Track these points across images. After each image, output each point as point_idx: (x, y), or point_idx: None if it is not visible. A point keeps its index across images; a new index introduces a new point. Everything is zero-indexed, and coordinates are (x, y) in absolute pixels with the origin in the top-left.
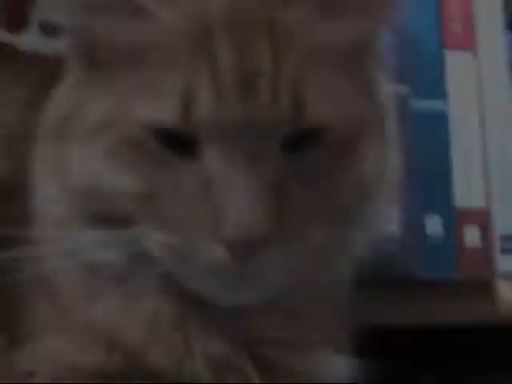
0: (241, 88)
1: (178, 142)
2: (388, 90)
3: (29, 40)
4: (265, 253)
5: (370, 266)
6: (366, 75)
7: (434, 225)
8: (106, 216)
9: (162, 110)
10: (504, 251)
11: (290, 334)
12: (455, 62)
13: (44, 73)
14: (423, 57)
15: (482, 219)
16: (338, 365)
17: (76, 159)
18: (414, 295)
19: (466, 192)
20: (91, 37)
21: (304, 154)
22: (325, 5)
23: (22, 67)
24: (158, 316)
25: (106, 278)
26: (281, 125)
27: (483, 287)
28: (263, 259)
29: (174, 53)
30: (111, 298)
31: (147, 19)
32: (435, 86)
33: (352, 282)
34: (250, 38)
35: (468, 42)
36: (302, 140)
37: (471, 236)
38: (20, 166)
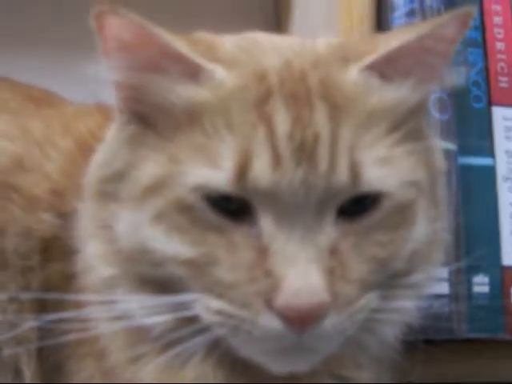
0: (298, 155)
1: (232, 207)
2: (439, 148)
3: None
4: (322, 323)
5: (418, 328)
6: (420, 137)
7: (481, 285)
8: (156, 280)
9: (217, 175)
10: None
11: None
12: (502, 118)
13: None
14: (471, 113)
15: None
16: None
17: (125, 221)
18: (462, 355)
19: None
20: (145, 97)
21: (360, 221)
22: (383, 68)
23: (70, 117)
24: (204, 381)
25: (153, 342)
26: (337, 192)
27: None
28: (320, 329)
29: (230, 116)
30: (158, 363)
31: (204, 81)
32: (483, 142)
33: (400, 344)
34: (307, 103)
35: None
36: (357, 207)
37: None
38: (65, 221)
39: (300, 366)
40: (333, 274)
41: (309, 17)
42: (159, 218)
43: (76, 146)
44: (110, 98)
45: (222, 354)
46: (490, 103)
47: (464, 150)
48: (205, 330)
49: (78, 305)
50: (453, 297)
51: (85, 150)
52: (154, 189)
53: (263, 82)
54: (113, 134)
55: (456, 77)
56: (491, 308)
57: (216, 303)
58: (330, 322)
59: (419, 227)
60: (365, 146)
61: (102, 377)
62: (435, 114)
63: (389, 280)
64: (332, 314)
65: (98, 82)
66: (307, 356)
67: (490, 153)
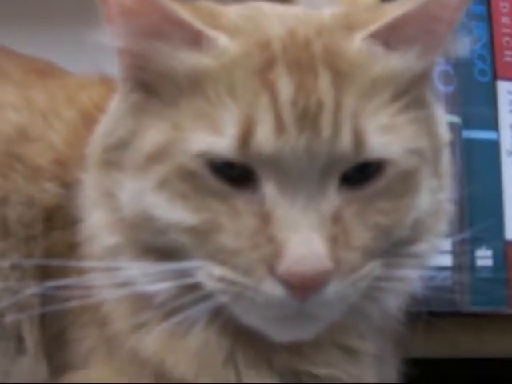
0: (301, 122)
1: (234, 174)
2: (443, 119)
3: None
4: (324, 289)
5: (421, 299)
6: (424, 106)
7: (484, 258)
8: (159, 247)
9: (220, 142)
10: None
11: (339, 369)
12: (507, 92)
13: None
14: (475, 87)
15: None
16: None
17: (128, 190)
18: (464, 328)
19: None
20: (149, 64)
21: (363, 189)
22: (387, 36)
23: (73, 88)
24: (208, 351)
25: (156, 309)
26: (341, 159)
27: None
28: (322, 296)
29: (233, 84)
30: (161, 330)
31: (206, 48)
32: (487, 116)
33: (403, 315)
34: (311, 70)
35: None
36: (361, 175)
37: None
38: (69, 190)
39: (302, 334)
40: (336, 241)
41: None
42: (162, 185)
43: (80, 117)
44: (114, 69)
45: (225, 322)
46: (494, 77)
47: (468, 124)
48: (207, 297)
49: (81, 272)
50: (456, 269)
51: (88, 120)
52: (157, 156)
53: (267, 50)
54: (116, 103)
55: (460, 46)
56: (494, 281)
57: (219, 270)
58: (333, 289)
59: (422, 196)
60: (368, 113)
61: (105, 345)
62: (440, 86)
63: (392, 249)
64: (334, 281)
65: (101, 51)
66: (310, 324)
67: (495, 127)
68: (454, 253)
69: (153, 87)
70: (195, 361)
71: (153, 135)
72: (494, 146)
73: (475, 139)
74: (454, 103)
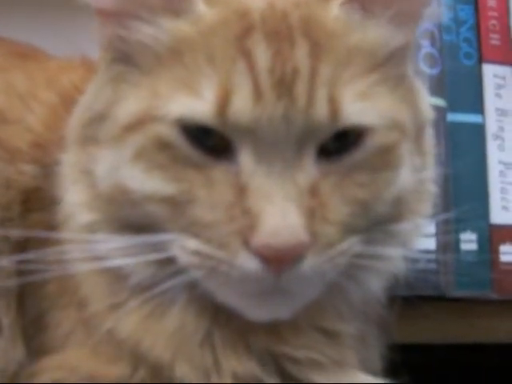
0: (278, 89)
1: (211, 143)
2: (426, 98)
3: None
4: (300, 264)
5: (404, 283)
6: (404, 81)
7: (468, 242)
8: (134, 222)
9: (199, 105)
10: None
11: (319, 352)
12: (493, 75)
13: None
14: (461, 70)
15: None
16: None
17: (104, 163)
18: (448, 313)
19: (501, 209)
20: (130, 32)
21: (341, 161)
22: (365, 5)
23: (53, 71)
24: (185, 331)
25: (133, 287)
26: (317, 128)
27: None
28: (299, 271)
29: (211, 51)
30: (137, 310)
31: (185, 14)
32: (472, 100)
33: (385, 299)
34: (288, 39)
35: (506, 56)
36: (339, 147)
37: (507, 253)
38: (47, 172)
39: (279, 313)
40: (312, 214)
41: None
42: (139, 156)
43: (59, 99)
44: (95, 52)
45: (203, 303)
46: (480, 60)
47: (453, 107)
48: (180, 272)
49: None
50: (440, 253)
51: (68, 102)
52: (134, 126)
53: (244, 19)
54: (96, 79)
55: (437, 14)
56: (478, 265)
57: (193, 243)
58: (309, 264)
59: (404, 172)
60: (344, 81)
61: (83, 327)
62: (425, 69)
63: (373, 226)
64: (311, 255)
65: (83, 36)
66: (286, 301)
67: (480, 110)
68: (438, 236)
69: (132, 59)
70: (172, 342)
71: (130, 104)
72: (479, 130)
73: (460, 122)
74: (439, 86)
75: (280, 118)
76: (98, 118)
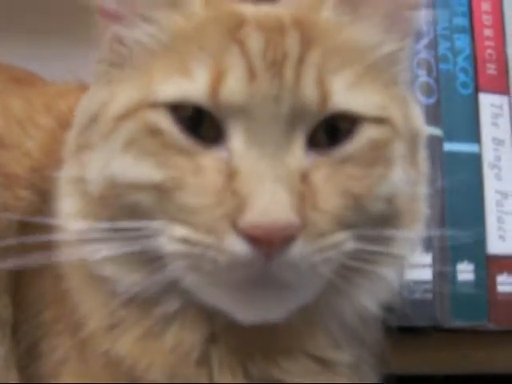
0: (270, 69)
1: (203, 129)
2: (421, 120)
3: None
4: (290, 248)
5: (401, 313)
6: (396, 87)
7: (465, 272)
8: (124, 218)
9: (191, 87)
10: None
11: (314, 380)
12: (490, 105)
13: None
14: (457, 99)
15: None
16: None
17: (96, 163)
18: (445, 343)
19: (498, 238)
20: (126, 33)
21: (333, 153)
22: (355, 8)
23: (51, 96)
24: (182, 350)
25: (128, 303)
26: (306, 107)
27: None
28: (288, 256)
29: (204, 41)
30: (134, 328)
31: (183, 13)
32: (469, 129)
33: (381, 327)
34: (280, 31)
35: (502, 85)
36: (331, 139)
37: (504, 284)
38: (45, 197)
39: (271, 311)
40: (303, 199)
41: None
42: (129, 144)
43: (57, 124)
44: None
45: (200, 320)
46: (477, 90)
47: (450, 136)
48: (164, 267)
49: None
50: (436, 283)
51: (66, 127)
52: (126, 115)
53: (237, 16)
54: (92, 84)
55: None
56: (475, 296)
57: (180, 230)
58: (298, 249)
59: (397, 171)
60: (334, 70)
61: (78, 353)
62: (422, 98)
63: (367, 225)
64: (301, 241)
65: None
66: (277, 297)
67: (477, 139)
68: (435, 266)
69: (129, 60)
70: (168, 362)
71: (123, 97)
72: (475, 159)
73: (457, 152)
74: (436, 115)
75: (271, 98)
76: (92, 121)
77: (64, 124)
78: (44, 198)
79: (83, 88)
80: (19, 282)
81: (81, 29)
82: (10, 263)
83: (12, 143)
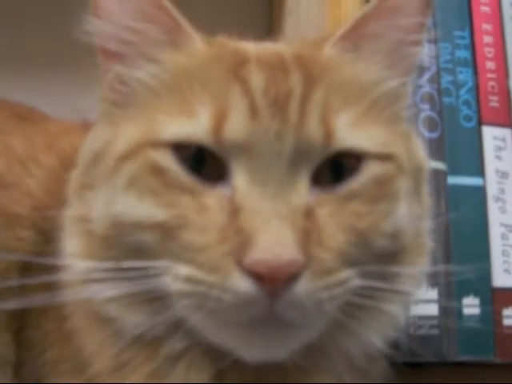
0: (272, 108)
1: (205, 168)
2: (424, 155)
3: None
4: (295, 286)
5: (407, 349)
6: (398, 123)
7: (471, 306)
8: (128, 257)
9: (194, 126)
10: None
11: None
12: (493, 138)
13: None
14: (461, 133)
15: None
16: None
17: (99, 202)
18: (452, 378)
19: (504, 272)
20: (129, 70)
21: (338, 190)
22: (353, 37)
23: (53, 134)
24: None
25: (135, 344)
26: (309, 146)
27: None
28: (293, 294)
29: (207, 80)
30: (141, 368)
31: (183, 47)
32: (473, 162)
33: (388, 363)
34: (282, 69)
35: (505, 118)
36: (335, 176)
37: (510, 317)
38: (45, 237)
39: (275, 350)
40: (307, 236)
41: (301, 21)
42: (133, 183)
43: (59, 163)
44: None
45: (206, 360)
46: (480, 122)
47: (454, 170)
48: (168, 307)
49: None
50: (442, 318)
51: (68, 166)
52: (129, 154)
53: (240, 54)
54: (96, 123)
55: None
56: (482, 330)
57: (184, 269)
58: (303, 287)
59: (402, 207)
60: (337, 108)
61: None
62: (425, 132)
63: (373, 261)
64: (305, 278)
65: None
66: (282, 335)
67: (480, 172)
68: (440, 302)
69: (132, 99)
70: None
71: (126, 137)
72: (479, 192)
73: (461, 185)
74: (439, 149)
75: (274, 136)
76: (95, 160)
77: (66, 163)
78: (46, 238)
79: (86, 126)
80: (23, 321)
81: (85, 64)
82: (12, 304)
83: (13, 182)
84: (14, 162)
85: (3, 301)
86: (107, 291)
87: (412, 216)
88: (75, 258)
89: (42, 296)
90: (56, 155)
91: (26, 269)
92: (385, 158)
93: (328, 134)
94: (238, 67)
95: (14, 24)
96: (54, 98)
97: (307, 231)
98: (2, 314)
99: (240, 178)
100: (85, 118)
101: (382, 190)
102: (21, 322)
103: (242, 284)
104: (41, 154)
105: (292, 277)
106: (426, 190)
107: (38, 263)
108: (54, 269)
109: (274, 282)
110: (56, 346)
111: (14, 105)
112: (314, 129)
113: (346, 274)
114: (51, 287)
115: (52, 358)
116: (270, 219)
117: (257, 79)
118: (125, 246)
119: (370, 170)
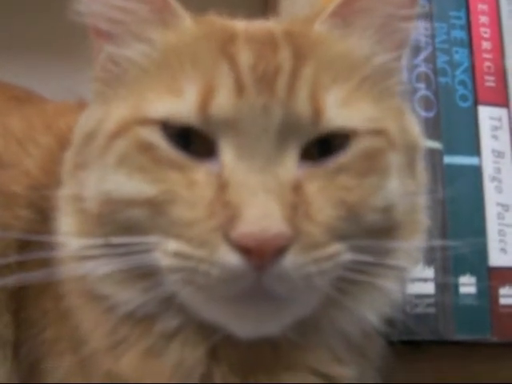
0: (260, 84)
1: (193, 144)
2: (418, 131)
3: None
4: (282, 259)
5: (403, 327)
6: (390, 98)
7: (467, 285)
8: (119, 234)
9: (181, 105)
10: None
11: None
12: (489, 117)
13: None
14: (457, 112)
15: None
16: None
17: (92, 181)
18: (448, 357)
19: (500, 251)
20: (120, 49)
21: (326, 164)
22: (344, 12)
23: (51, 115)
24: (185, 366)
25: (129, 320)
26: (297, 121)
27: None
28: (281, 267)
29: (195, 56)
30: (136, 345)
31: (172, 25)
32: (469, 142)
33: (383, 341)
34: (271, 45)
35: (501, 98)
36: (324, 151)
37: (506, 296)
38: (42, 215)
39: (266, 324)
40: (295, 209)
41: (296, 5)
42: (122, 161)
43: (56, 143)
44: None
45: (201, 336)
46: (476, 102)
47: (450, 149)
48: (159, 283)
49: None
50: (439, 297)
51: (65, 146)
52: (119, 132)
53: (228, 31)
54: (89, 104)
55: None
56: (478, 309)
57: (173, 244)
58: (291, 260)
59: (392, 182)
60: (327, 85)
61: (80, 370)
62: (421, 112)
63: (365, 236)
64: (293, 252)
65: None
66: (272, 309)
67: (476, 152)
68: (437, 281)
69: (121, 79)
70: (172, 380)
71: (116, 115)
72: (475, 172)
73: (457, 165)
74: (435, 129)
75: (260, 110)
76: (89, 139)
77: (63, 143)
78: (43, 217)
79: (83, 106)
80: (22, 301)
81: (80, 46)
82: (11, 280)
83: (11, 162)
84: (12, 141)
85: (2, 277)
86: (100, 268)
87: (405, 192)
88: (70, 236)
89: (39, 273)
90: (53, 135)
91: (23, 247)
92: (375, 133)
93: (317, 111)
94: (226, 44)
95: (8, 8)
96: (49, 80)
97: (295, 205)
98: (1, 294)
99: (228, 154)
100: (82, 98)
101: (371, 164)
102: (19, 302)
103: (230, 258)
104: (38, 134)
105: (279, 250)
106: (421, 166)
107: (35, 241)
108: (50, 247)
109: (261, 255)
110: (53, 324)
111: (12, 87)
112: (302, 104)
113: (335, 248)
114: (48, 265)
115: (50, 337)
116: (257, 193)
117: (244, 55)
118: (117, 223)
119: (360, 144)
